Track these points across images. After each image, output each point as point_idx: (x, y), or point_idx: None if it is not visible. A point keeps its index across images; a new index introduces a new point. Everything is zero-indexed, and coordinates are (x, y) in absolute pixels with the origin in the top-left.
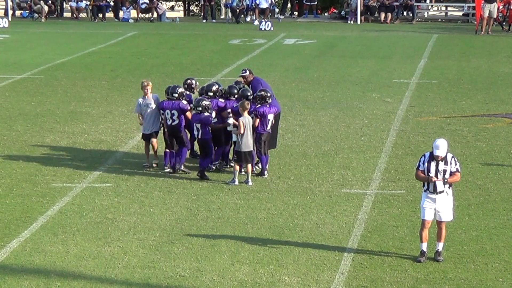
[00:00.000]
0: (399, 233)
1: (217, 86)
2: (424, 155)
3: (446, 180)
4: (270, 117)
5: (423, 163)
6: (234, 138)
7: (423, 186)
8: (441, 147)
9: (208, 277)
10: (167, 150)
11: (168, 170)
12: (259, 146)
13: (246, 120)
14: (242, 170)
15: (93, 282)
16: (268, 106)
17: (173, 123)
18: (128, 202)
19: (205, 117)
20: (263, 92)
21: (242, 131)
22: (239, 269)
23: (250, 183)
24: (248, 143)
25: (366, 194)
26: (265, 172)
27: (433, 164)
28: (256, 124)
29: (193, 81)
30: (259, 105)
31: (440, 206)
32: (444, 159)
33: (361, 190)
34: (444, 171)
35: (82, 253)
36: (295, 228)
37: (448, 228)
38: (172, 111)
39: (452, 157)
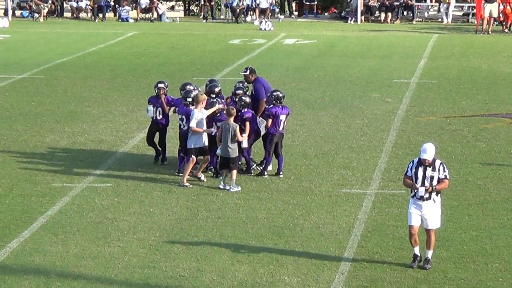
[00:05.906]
0: (399, 233)
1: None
2: (413, 161)
3: (434, 188)
4: (283, 118)
5: (411, 169)
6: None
7: (411, 192)
8: (428, 150)
9: (208, 277)
10: (182, 155)
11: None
12: (269, 147)
13: (228, 125)
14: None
15: (93, 282)
16: (280, 107)
17: (183, 128)
18: (128, 202)
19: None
20: (278, 93)
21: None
22: (239, 269)
23: (229, 188)
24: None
25: (366, 194)
26: (265, 172)
27: (420, 169)
28: (269, 125)
29: (191, 87)
30: (271, 106)
31: (427, 212)
32: (432, 165)
33: (361, 190)
34: (432, 178)
35: (82, 253)
36: (295, 228)
37: (448, 228)
38: (182, 116)
39: (441, 163)
